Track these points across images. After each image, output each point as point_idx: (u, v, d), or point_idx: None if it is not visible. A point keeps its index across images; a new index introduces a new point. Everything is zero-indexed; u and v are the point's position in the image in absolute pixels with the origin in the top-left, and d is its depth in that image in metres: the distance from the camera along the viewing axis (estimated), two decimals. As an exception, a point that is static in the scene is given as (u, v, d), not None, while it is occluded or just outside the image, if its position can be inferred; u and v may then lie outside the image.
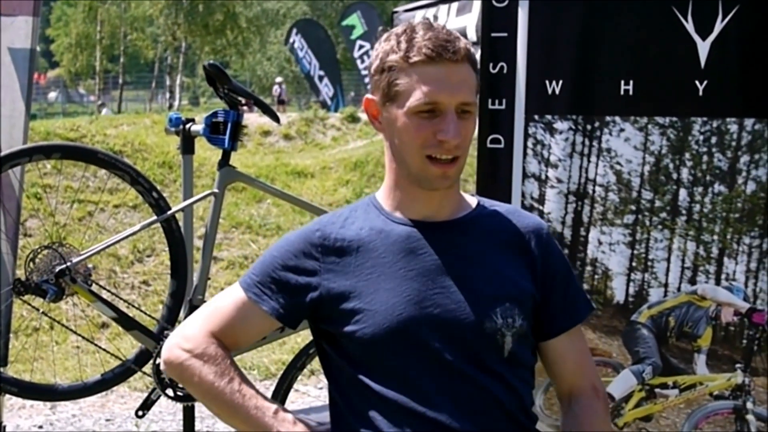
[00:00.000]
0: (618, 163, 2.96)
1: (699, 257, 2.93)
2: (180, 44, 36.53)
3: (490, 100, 3.05)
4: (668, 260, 2.95)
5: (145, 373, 3.35)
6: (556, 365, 2.03)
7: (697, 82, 2.88)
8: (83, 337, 3.68)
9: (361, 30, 26.51)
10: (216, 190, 3.41)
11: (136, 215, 9.91)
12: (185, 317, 3.11)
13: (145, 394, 3.38)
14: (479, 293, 1.88)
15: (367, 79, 2.75)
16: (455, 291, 1.88)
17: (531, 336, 1.96)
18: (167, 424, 5.83)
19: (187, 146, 3.49)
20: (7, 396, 3.70)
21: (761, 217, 2.88)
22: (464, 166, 1.92)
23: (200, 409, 3.06)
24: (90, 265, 3.31)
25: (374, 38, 2.44)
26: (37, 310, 3.41)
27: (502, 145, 3.04)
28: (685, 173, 2.93)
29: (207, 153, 10.05)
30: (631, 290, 2.98)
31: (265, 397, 1.91)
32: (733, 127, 2.89)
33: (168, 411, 5.86)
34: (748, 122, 2.88)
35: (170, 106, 33.81)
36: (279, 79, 34.11)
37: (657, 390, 2.97)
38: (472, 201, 2.02)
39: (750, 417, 2.91)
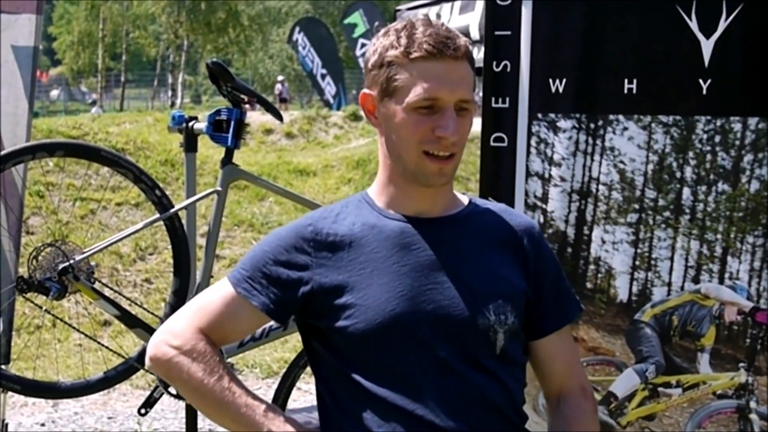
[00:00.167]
0: (621, 161, 2.96)
1: (702, 256, 2.93)
2: (182, 42, 36.55)
3: (493, 99, 3.05)
4: (672, 259, 2.95)
5: (147, 370, 3.35)
6: (545, 365, 2.02)
7: (700, 81, 2.87)
8: (86, 335, 3.68)
9: (363, 28, 26.52)
10: (219, 188, 3.41)
11: (138, 213, 9.92)
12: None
13: (148, 392, 3.39)
14: (472, 289, 1.87)
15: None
16: (448, 287, 1.87)
17: (522, 334, 1.96)
18: (169, 422, 5.83)
19: (190, 144, 3.49)
20: (10, 393, 3.71)
21: (765, 216, 2.87)
22: (459, 163, 1.91)
23: (203, 407, 3.05)
24: (93, 263, 3.31)
25: (371, 35, 2.42)
26: (40, 307, 3.41)
27: (505, 144, 3.04)
28: (688, 172, 2.93)
29: (209, 151, 10.05)
30: (635, 289, 2.98)
31: (255, 395, 1.89)
32: (737, 126, 2.88)
33: (170, 409, 5.86)
34: (752, 121, 2.87)
35: (172, 104, 33.84)
36: (281, 78, 34.12)
37: (660, 389, 2.97)
38: (464, 199, 2.02)
39: (753, 416, 2.91)
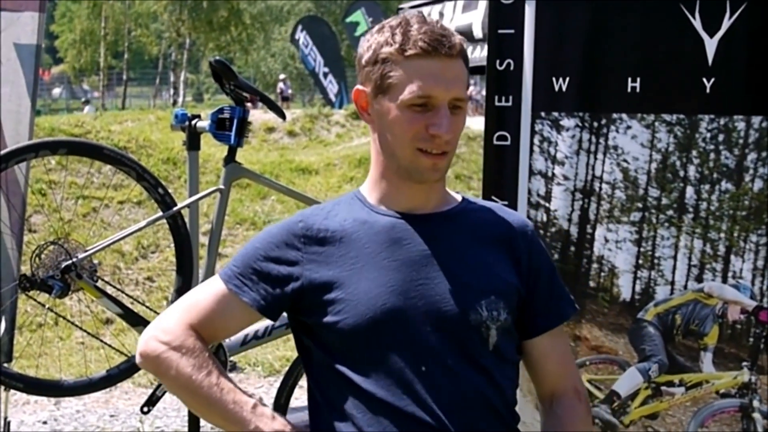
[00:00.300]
0: (625, 160, 2.95)
1: (706, 255, 2.92)
2: (184, 41, 36.55)
3: (496, 97, 3.04)
4: (675, 258, 2.94)
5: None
6: (538, 365, 2.00)
7: (704, 80, 2.87)
8: (89, 333, 3.68)
9: (366, 27, 26.49)
10: (222, 187, 3.41)
11: (141, 211, 9.92)
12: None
13: (150, 390, 3.39)
14: (464, 285, 1.86)
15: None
16: (440, 282, 1.85)
17: (515, 332, 1.94)
18: (171, 420, 5.84)
19: (193, 142, 3.49)
20: (12, 391, 3.71)
21: (768, 214, 2.87)
22: (452, 159, 1.91)
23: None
24: (95, 261, 3.31)
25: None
26: (43, 305, 3.41)
27: (508, 142, 3.03)
28: (692, 171, 2.92)
29: (211, 149, 10.05)
30: (638, 288, 2.97)
31: (244, 392, 1.87)
32: (741, 125, 2.88)
33: (172, 407, 5.87)
34: (756, 120, 2.86)
35: (174, 103, 33.84)
36: (283, 76, 34.13)
37: (663, 388, 2.96)
38: (457, 197, 2.01)
39: (756, 415, 2.90)
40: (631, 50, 2.93)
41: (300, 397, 5.30)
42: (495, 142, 3.05)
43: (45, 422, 5.95)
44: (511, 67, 3.02)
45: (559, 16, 2.99)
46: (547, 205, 3.02)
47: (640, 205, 2.96)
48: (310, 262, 1.88)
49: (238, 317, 1.93)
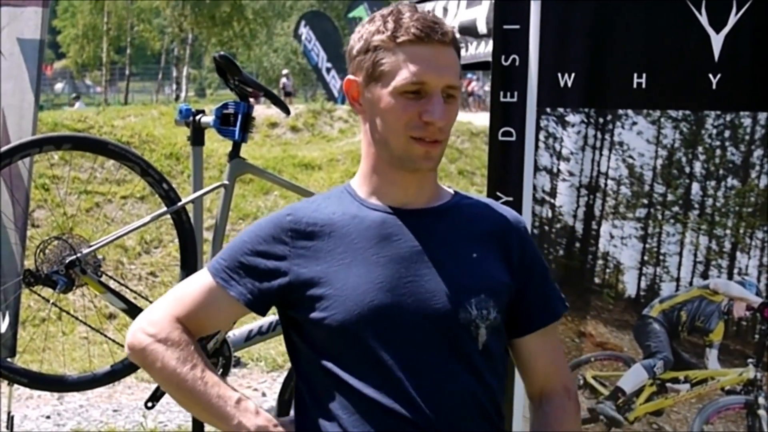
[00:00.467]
0: (630, 156, 2.95)
1: (711, 251, 2.91)
2: (186, 36, 36.51)
3: (501, 93, 3.03)
4: (680, 254, 2.93)
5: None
6: (528, 363, 1.98)
7: (710, 76, 2.86)
8: (92, 328, 3.68)
9: (368, 22, 26.42)
10: (226, 182, 3.41)
11: (144, 206, 9.93)
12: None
13: (153, 385, 3.39)
14: (454, 283, 1.83)
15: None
16: (430, 279, 1.82)
17: (504, 331, 1.91)
18: (174, 415, 5.84)
19: (197, 138, 3.49)
20: (15, 386, 3.71)
21: (774, 211, 2.86)
22: (445, 149, 1.89)
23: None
24: (99, 256, 3.31)
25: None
26: (47, 300, 3.41)
27: (513, 138, 3.03)
28: (697, 167, 2.91)
29: (214, 144, 10.05)
30: (643, 284, 2.96)
31: (229, 386, 1.86)
32: (747, 121, 2.87)
33: (176, 402, 5.87)
34: (762, 116, 2.85)
35: (177, 98, 33.82)
36: (286, 71, 34.13)
37: (668, 384, 2.96)
38: (449, 191, 1.98)
39: (762, 412, 2.89)
40: (636, 46, 2.92)
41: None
42: (500, 138, 3.04)
43: (48, 417, 5.96)
44: (517, 63, 3.02)
45: (565, 11, 2.98)
46: (552, 201, 3.01)
47: (645, 201, 2.95)
48: (297, 257, 1.85)
49: (225, 311, 1.91)
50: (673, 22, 2.89)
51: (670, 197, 2.93)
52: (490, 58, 3.23)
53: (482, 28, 4.12)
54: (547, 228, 3.02)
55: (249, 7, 36.63)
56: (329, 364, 1.82)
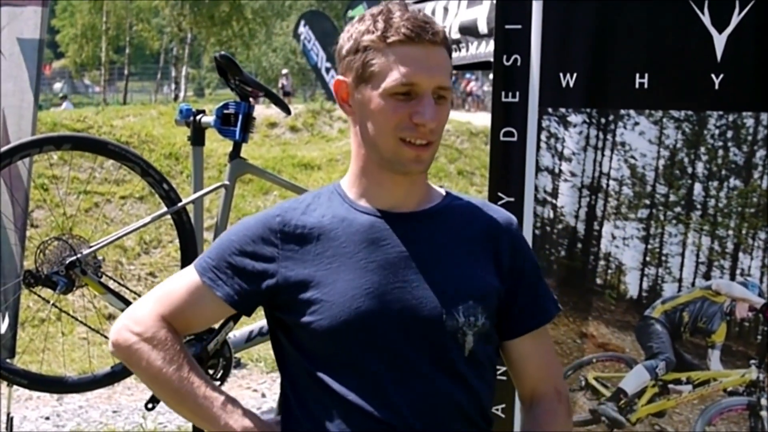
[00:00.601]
0: (632, 156, 2.94)
1: (714, 252, 2.90)
2: (185, 35, 36.49)
3: (503, 93, 3.02)
4: (682, 255, 2.93)
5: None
6: (518, 366, 1.96)
7: (713, 76, 2.85)
8: (92, 329, 3.67)
9: (368, 22, 26.40)
10: (227, 182, 3.40)
11: (143, 206, 9.92)
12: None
13: (155, 387, 3.37)
14: (442, 289, 1.81)
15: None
16: (417, 285, 1.80)
17: (495, 335, 1.90)
18: (174, 416, 5.82)
19: (198, 138, 3.47)
20: (15, 387, 3.70)
21: (776, 212, 2.86)
22: (437, 151, 1.86)
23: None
24: (100, 257, 3.30)
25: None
26: (47, 301, 3.40)
27: (515, 138, 3.02)
28: (700, 167, 2.90)
29: (213, 144, 10.04)
30: (645, 285, 2.96)
31: (215, 387, 1.85)
32: (750, 122, 2.86)
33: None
34: (765, 116, 2.85)
35: (176, 97, 33.81)
36: (285, 71, 34.13)
37: (670, 386, 2.95)
38: (441, 192, 1.95)
39: (764, 413, 2.89)
40: (639, 46, 2.92)
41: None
42: (502, 138, 3.03)
43: (47, 418, 5.95)
44: (518, 63, 3.00)
45: (567, 11, 2.97)
46: (554, 201, 3.00)
47: (647, 201, 2.94)
48: (286, 259, 1.83)
49: (211, 310, 1.89)
50: (676, 22, 2.89)
51: (672, 198, 2.92)
52: (490, 58, 3.22)
53: (483, 28, 4.11)
54: (548, 228, 3.01)
55: (248, 6, 36.60)
56: (314, 368, 1.81)
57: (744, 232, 2.88)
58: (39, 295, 3.33)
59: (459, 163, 14.37)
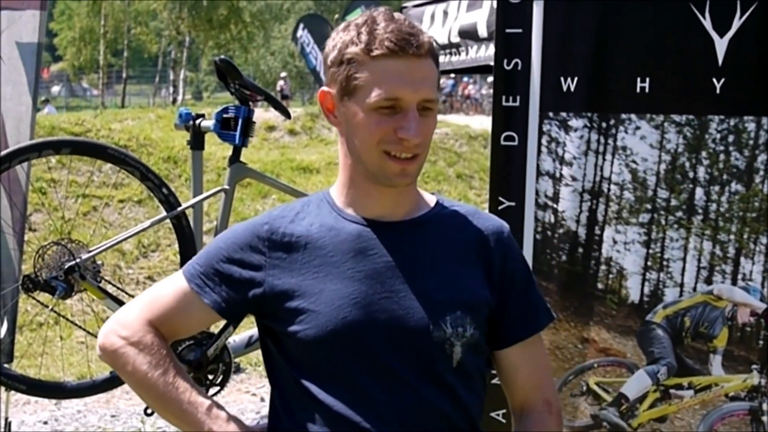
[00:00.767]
0: (634, 161, 2.93)
1: (715, 257, 2.90)
2: (183, 39, 36.53)
3: (504, 97, 3.02)
4: (684, 260, 2.92)
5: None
6: (508, 376, 1.93)
7: (714, 80, 2.85)
8: (90, 333, 3.65)
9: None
10: (227, 187, 3.39)
11: (141, 210, 9.90)
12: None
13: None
14: (429, 299, 1.78)
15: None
16: (404, 296, 1.78)
17: (485, 345, 1.87)
18: (173, 420, 5.80)
19: (197, 142, 3.46)
20: (13, 392, 3.68)
21: (778, 216, 2.85)
22: (424, 162, 1.84)
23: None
24: (99, 262, 3.29)
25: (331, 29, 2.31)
26: (46, 306, 3.39)
27: (515, 143, 3.01)
28: (701, 172, 2.90)
29: (212, 148, 10.03)
30: (647, 290, 2.95)
31: (200, 392, 1.83)
32: (751, 126, 2.85)
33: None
34: (766, 120, 2.84)
35: (174, 101, 33.82)
36: (284, 74, 34.15)
37: (672, 391, 2.94)
38: (431, 200, 1.92)
39: (766, 418, 2.88)
40: (640, 50, 2.91)
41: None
42: (502, 143, 3.02)
43: (46, 422, 5.93)
44: (519, 67, 3.00)
45: (568, 15, 2.97)
46: (554, 206, 2.99)
47: (648, 206, 2.94)
48: (273, 268, 1.82)
49: (198, 317, 1.88)
50: (677, 26, 2.88)
51: (673, 202, 2.92)
52: (490, 62, 3.22)
53: (483, 32, 4.11)
54: (549, 233, 3.01)
55: (246, 10, 36.64)
56: (300, 377, 1.79)
57: (745, 236, 2.88)
58: (38, 300, 3.31)
59: (458, 166, 14.36)
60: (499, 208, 3.02)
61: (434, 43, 1.80)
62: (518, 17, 2.99)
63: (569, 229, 2.99)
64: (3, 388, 3.66)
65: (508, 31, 3.01)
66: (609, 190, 2.96)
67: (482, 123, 17.66)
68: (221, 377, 3.23)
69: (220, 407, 1.83)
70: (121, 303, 3.27)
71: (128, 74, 39.63)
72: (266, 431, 1.88)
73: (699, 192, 2.90)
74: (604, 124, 2.95)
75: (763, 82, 2.84)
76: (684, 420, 2.94)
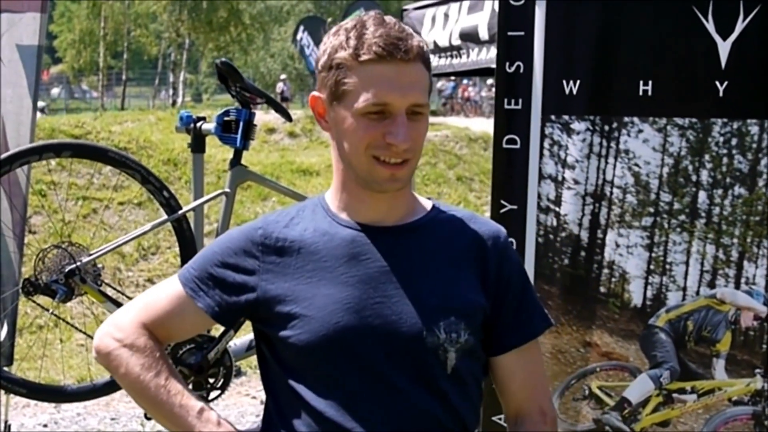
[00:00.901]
0: (636, 164, 2.92)
1: (718, 260, 2.89)
2: (183, 41, 36.53)
3: (506, 100, 3.01)
4: (687, 263, 2.91)
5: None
6: (503, 383, 1.91)
7: (717, 83, 2.84)
8: (90, 336, 3.63)
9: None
10: (228, 190, 3.38)
11: (141, 212, 9.89)
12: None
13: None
14: (423, 305, 1.77)
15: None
16: (397, 301, 1.76)
17: (480, 351, 1.85)
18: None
19: (198, 145, 3.46)
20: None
21: (781, 220, 2.84)
22: (416, 168, 1.83)
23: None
24: (99, 265, 3.27)
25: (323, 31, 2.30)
26: (47, 310, 3.37)
27: (518, 146, 3.00)
28: (704, 175, 2.89)
29: (212, 150, 10.01)
30: (649, 294, 2.94)
31: (192, 395, 1.83)
32: (754, 129, 2.84)
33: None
34: (769, 124, 2.83)
35: (173, 103, 33.82)
36: (283, 76, 34.16)
37: (675, 395, 2.93)
38: (427, 205, 1.90)
39: (769, 423, 2.87)
40: (643, 53, 2.90)
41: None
42: (504, 146, 3.01)
43: (45, 425, 5.91)
44: (521, 70, 2.99)
45: (570, 17, 2.96)
46: (557, 209, 2.99)
47: (651, 209, 2.93)
48: (266, 272, 1.82)
49: (192, 321, 1.88)
50: (680, 29, 2.87)
51: (676, 206, 2.91)
52: (491, 65, 3.21)
53: (484, 35, 4.10)
54: (552, 237, 3.00)
55: (246, 12, 36.64)
56: (293, 382, 1.79)
57: (749, 240, 2.86)
58: (38, 304, 3.30)
59: (458, 169, 14.35)
60: (501, 211, 3.01)
61: (424, 47, 1.78)
62: (520, 20, 2.98)
63: (571, 233, 2.98)
64: (2, 392, 3.64)
65: (510, 33, 3.01)
66: (611, 193, 2.95)
67: (482, 125, 17.65)
68: (222, 381, 3.22)
69: (211, 411, 1.82)
70: (121, 306, 3.26)
71: (128, 76, 39.63)
72: None
73: (702, 195, 2.89)
74: (606, 127, 2.94)
75: (766, 85, 2.83)
76: (687, 424, 2.93)
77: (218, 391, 3.20)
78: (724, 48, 2.83)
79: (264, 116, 15.27)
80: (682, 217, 2.91)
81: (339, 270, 1.79)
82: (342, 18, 30.78)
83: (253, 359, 6.49)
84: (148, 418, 3.29)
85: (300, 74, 40.88)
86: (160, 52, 41.16)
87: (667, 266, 2.92)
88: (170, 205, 3.29)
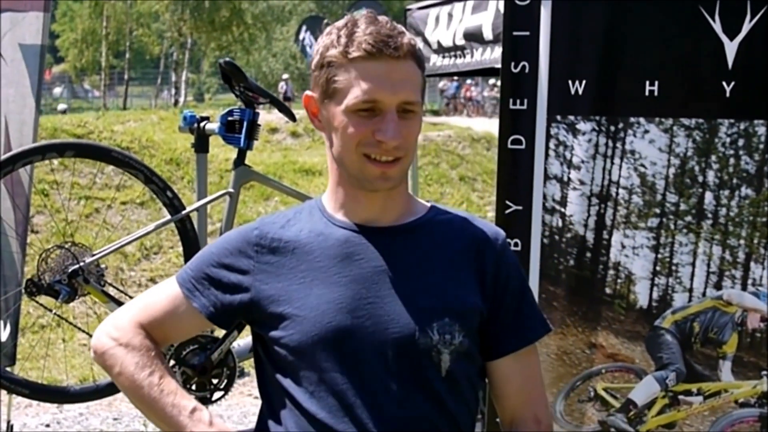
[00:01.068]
0: (642, 165, 2.91)
1: (725, 262, 2.87)
2: (185, 40, 36.54)
3: (511, 100, 3.00)
4: (693, 265, 2.89)
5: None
6: (498, 388, 1.89)
7: (724, 83, 2.82)
8: (92, 336, 3.63)
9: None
10: (231, 190, 3.37)
11: (144, 212, 9.89)
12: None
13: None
14: (416, 306, 1.75)
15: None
16: (390, 302, 1.75)
17: (477, 354, 1.83)
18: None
19: (202, 145, 3.45)
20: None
21: (788, 221, 2.82)
22: (408, 166, 1.81)
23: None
24: (102, 265, 3.26)
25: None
26: (50, 310, 3.37)
27: (523, 146, 2.99)
28: (711, 176, 2.87)
29: (214, 150, 10.01)
30: (655, 295, 2.92)
31: (185, 395, 1.82)
32: (761, 129, 2.83)
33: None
34: (776, 124, 2.82)
35: (175, 102, 33.83)
36: (286, 76, 34.16)
37: (681, 397, 2.92)
38: (425, 206, 1.89)
39: (776, 425, 2.86)
40: (649, 53, 2.89)
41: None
42: (510, 146, 3.00)
43: (48, 425, 5.91)
44: (527, 70, 2.98)
45: (576, 17, 2.95)
46: (562, 210, 2.97)
47: (657, 210, 2.91)
48: (261, 272, 1.81)
49: (188, 321, 1.88)
50: (686, 29, 2.86)
51: (682, 207, 2.89)
52: (496, 65, 3.20)
53: (488, 35, 4.09)
54: (557, 237, 2.98)
55: (248, 11, 36.64)
56: (286, 383, 1.78)
57: (755, 241, 2.85)
58: (40, 304, 3.29)
59: (461, 168, 14.33)
60: (507, 212, 3.00)
61: (416, 46, 1.77)
62: (525, 20, 2.97)
63: (577, 234, 2.96)
64: (5, 391, 3.64)
65: (515, 33, 2.99)
66: (617, 194, 2.93)
67: (484, 125, 17.64)
68: (226, 381, 3.21)
69: (203, 411, 1.80)
70: (124, 307, 3.25)
71: (130, 76, 39.63)
72: None
73: (708, 196, 2.88)
74: (612, 128, 2.92)
75: (773, 86, 2.82)
76: (693, 426, 2.91)
77: (222, 392, 3.20)
78: (731, 48, 2.82)
79: (266, 116, 15.28)
80: (689, 218, 2.89)
81: (332, 270, 1.78)
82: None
83: (256, 359, 6.45)
84: (151, 419, 3.28)
85: (302, 74, 40.85)
86: (163, 51, 41.16)
87: (674, 267, 2.91)
88: (174, 205, 3.29)
